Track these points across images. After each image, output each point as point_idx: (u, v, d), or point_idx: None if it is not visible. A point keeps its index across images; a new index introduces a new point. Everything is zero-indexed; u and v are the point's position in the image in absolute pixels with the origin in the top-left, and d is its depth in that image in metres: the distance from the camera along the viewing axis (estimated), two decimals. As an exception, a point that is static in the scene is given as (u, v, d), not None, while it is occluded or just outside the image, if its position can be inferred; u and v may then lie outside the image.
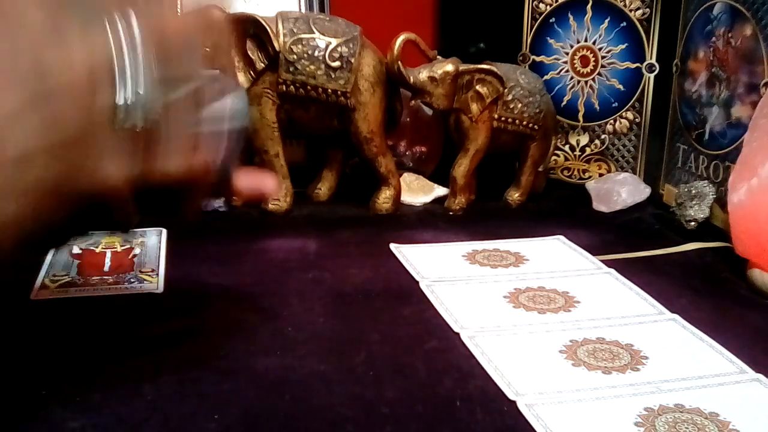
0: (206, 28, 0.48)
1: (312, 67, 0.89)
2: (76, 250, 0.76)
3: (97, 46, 0.39)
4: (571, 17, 1.07)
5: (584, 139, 1.11)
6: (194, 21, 0.47)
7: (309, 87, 0.90)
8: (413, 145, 1.10)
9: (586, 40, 1.08)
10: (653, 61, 1.05)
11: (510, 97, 0.96)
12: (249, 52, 0.88)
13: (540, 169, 1.03)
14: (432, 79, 0.93)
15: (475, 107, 0.94)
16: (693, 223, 0.89)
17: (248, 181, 0.53)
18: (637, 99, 1.07)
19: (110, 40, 0.40)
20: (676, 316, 0.66)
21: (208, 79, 0.48)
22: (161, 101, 0.42)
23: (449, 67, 0.93)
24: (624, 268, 0.77)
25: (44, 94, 0.37)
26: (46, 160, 0.38)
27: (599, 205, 1.01)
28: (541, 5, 1.08)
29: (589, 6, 1.06)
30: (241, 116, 0.50)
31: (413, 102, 0.96)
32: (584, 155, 1.11)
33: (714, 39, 0.93)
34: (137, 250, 0.78)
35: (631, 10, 1.05)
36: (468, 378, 0.55)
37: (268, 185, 0.54)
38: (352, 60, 0.90)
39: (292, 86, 0.89)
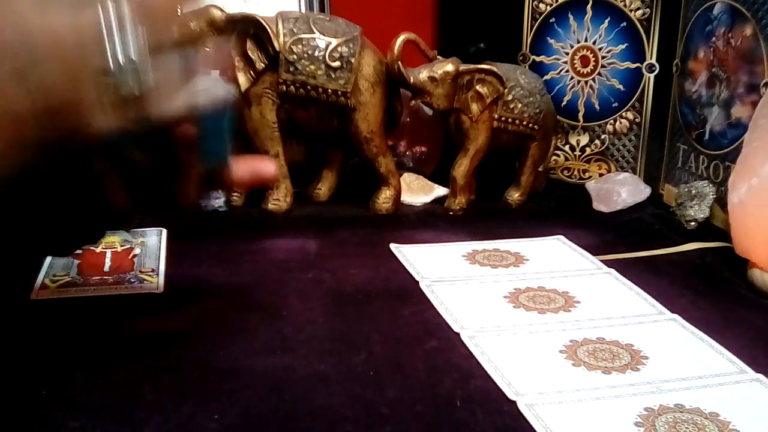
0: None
1: (312, 67, 0.89)
2: (76, 250, 0.76)
3: (85, 16, 0.41)
4: (571, 17, 1.07)
5: (584, 139, 1.11)
6: None
7: (309, 87, 0.90)
8: (413, 145, 1.10)
9: (586, 40, 1.08)
10: (653, 61, 1.05)
11: (510, 97, 0.96)
12: (249, 52, 0.88)
13: (540, 169, 1.03)
14: (432, 79, 0.93)
15: (475, 107, 0.94)
16: (693, 223, 0.89)
17: (246, 167, 0.52)
18: (637, 99, 1.07)
19: (99, 10, 0.41)
20: (676, 316, 0.66)
21: (194, 52, 0.49)
22: (152, 68, 0.43)
23: (449, 67, 0.93)
24: (624, 268, 0.77)
25: (31, 64, 0.38)
26: (34, 124, 0.39)
27: (599, 205, 1.01)
28: (541, 5, 1.08)
29: (589, 6, 1.06)
30: (229, 104, 0.51)
31: (413, 102, 0.96)
32: (584, 155, 1.11)
33: (714, 39, 0.93)
34: (137, 250, 0.77)
35: (631, 10, 1.05)
36: (468, 378, 0.55)
37: (266, 170, 0.54)
38: (352, 60, 0.90)
39: (292, 86, 0.89)
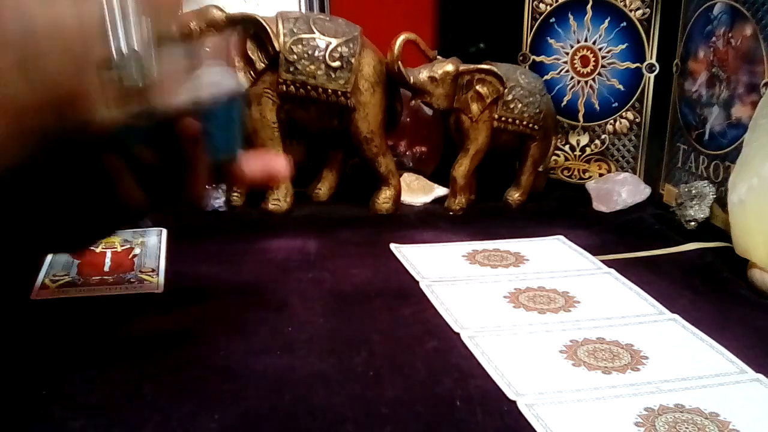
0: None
1: (312, 67, 0.89)
2: (76, 250, 0.76)
3: (88, 7, 0.41)
4: (571, 17, 1.07)
5: (584, 139, 1.11)
6: None
7: (309, 87, 0.90)
8: (413, 145, 1.10)
9: (586, 40, 1.08)
10: (653, 61, 1.05)
11: (510, 97, 0.96)
12: (249, 52, 0.88)
13: (540, 169, 1.03)
14: (432, 79, 0.93)
15: (475, 107, 0.94)
16: (693, 223, 0.89)
17: (257, 163, 0.52)
18: (637, 99, 1.07)
19: (102, 0, 0.41)
20: (676, 316, 0.66)
21: (198, 46, 0.49)
22: (155, 59, 0.43)
23: (449, 67, 0.93)
24: (624, 268, 0.77)
25: (34, 55, 0.38)
26: (37, 115, 0.39)
27: (599, 205, 1.01)
28: (541, 5, 1.08)
29: (589, 6, 1.06)
30: (237, 95, 0.51)
31: (413, 102, 0.96)
32: (584, 155, 1.11)
33: (714, 39, 0.93)
34: (137, 250, 0.77)
35: (631, 10, 1.05)
36: (468, 378, 0.55)
37: (279, 167, 0.53)
38: (352, 60, 0.90)
39: (292, 86, 0.89)
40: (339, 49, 0.89)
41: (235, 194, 0.95)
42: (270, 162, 0.53)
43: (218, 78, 0.51)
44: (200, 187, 0.50)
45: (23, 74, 0.38)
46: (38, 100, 0.39)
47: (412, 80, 0.92)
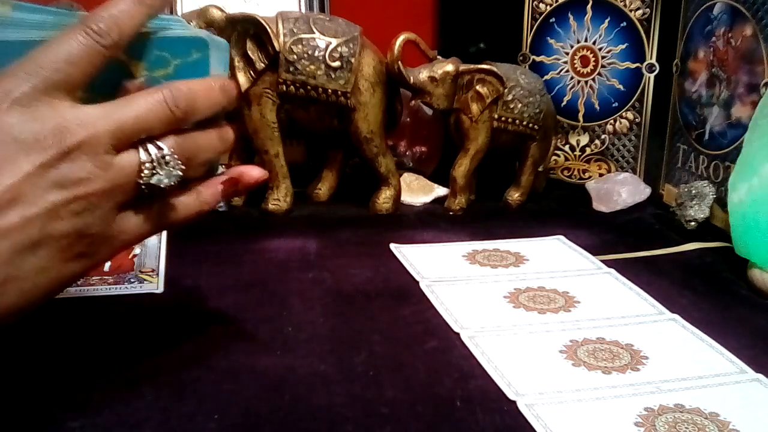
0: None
1: (312, 67, 0.89)
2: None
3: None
4: (571, 17, 1.07)
5: (584, 139, 1.11)
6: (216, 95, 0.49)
7: (309, 87, 0.90)
8: (413, 145, 1.10)
9: (586, 40, 1.08)
10: (653, 61, 1.05)
11: (510, 97, 0.96)
12: (249, 52, 0.88)
13: (540, 169, 1.03)
14: (432, 79, 0.93)
15: (475, 107, 0.94)
16: (693, 223, 0.89)
17: (233, 174, 0.53)
18: (637, 99, 1.07)
19: None
20: (676, 316, 0.66)
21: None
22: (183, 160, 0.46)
23: (449, 67, 0.93)
24: (624, 268, 0.77)
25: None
26: None
27: (599, 205, 1.01)
28: (541, 5, 1.08)
29: (589, 6, 1.06)
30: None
31: (413, 102, 0.96)
32: (584, 155, 1.11)
33: (714, 39, 0.93)
34: (137, 250, 0.77)
35: (631, 10, 1.05)
36: (468, 378, 0.55)
37: (253, 174, 0.54)
38: (352, 60, 0.90)
39: (292, 86, 0.89)
40: (339, 49, 0.89)
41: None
42: (244, 173, 0.54)
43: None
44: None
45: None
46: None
47: (412, 80, 0.92)
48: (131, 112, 0.44)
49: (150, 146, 0.45)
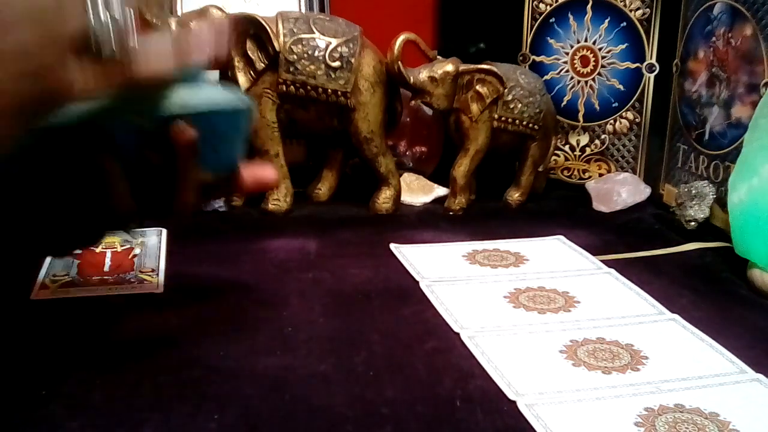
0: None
1: (312, 67, 0.89)
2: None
3: None
4: (571, 17, 1.07)
5: (584, 139, 1.11)
6: None
7: (309, 87, 0.90)
8: (413, 145, 1.10)
9: (586, 40, 1.08)
10: (653, 61, 1.05)
11: (510, 97, 0.96)
12: (249, 52, 0.88)
13: (540, 169, 1.03)
14: (432, 79, 0.93)
15: (475, 107, 0.94)
16: (693, 223, 0.89)
17: (248, 174, 0.52)
18: (637, 99, 1.07)
19: None
20: (676, 316, 0.66)
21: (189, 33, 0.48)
22: (134, 28, 0.42)
23: (449, 67, 0.93)
24: (624, 268, 0.77)
25: (5, 26, 0.36)
26: (12, 86, 0.37)
27: (599, 205, 1.01)
28: (541, 5, 1.08)
29: (589, 6, 1.06)
30: (244, 112, 0.51)
31: (413, 102, 0.96)
32: (584, 155, 1.11)
33: (714, 39, 0.93)
34: (137, 250, 0.77)
35: (631, 10, 1.05)
36: (468, 378, 0.55)
37: (268, 175, 0.53)
38: (352, 60, 0.90)
39: (292, 86, 0.89)
40: (339, 49, 0.89)
41: (235, 194, 0.95)
42: (258, 172, 0.53)
43: (218, 92, 0.50)
44: (189, 198, 0.49)
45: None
46: (10, 74, 0.37)
47: (412, 80, 0.92)
48: None
49: None
